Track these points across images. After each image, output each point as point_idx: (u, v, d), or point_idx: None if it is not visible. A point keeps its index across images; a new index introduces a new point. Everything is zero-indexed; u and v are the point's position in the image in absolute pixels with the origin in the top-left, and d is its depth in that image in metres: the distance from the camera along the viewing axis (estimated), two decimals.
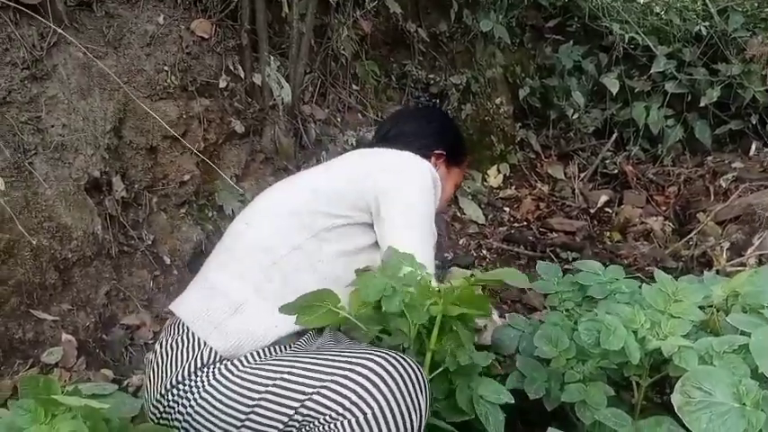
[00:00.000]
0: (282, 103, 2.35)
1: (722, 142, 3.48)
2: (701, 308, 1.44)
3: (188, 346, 1.28)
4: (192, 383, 1.23)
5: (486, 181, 3.49)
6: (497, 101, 3.62)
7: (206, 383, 1.22)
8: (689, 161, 3.46)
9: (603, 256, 2.82)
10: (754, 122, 3.31)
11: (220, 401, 1.20)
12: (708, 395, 0.96)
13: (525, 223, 3.13)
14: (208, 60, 2.26)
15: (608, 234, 3.06)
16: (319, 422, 1.12)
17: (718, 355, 1.22)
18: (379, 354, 1.15)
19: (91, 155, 1.92)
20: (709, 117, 3.44)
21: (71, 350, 1.80)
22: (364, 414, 1.09)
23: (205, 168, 2.26)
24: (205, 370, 1.23)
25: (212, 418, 1.20)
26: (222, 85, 2.28)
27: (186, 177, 2.19)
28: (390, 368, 1.12)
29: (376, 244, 1.44)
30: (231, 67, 2.32)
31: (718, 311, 1.50)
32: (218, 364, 1.23)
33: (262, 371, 1.21)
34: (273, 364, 1.21)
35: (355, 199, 1.42)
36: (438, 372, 1.29)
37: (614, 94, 3.55)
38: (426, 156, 1.64)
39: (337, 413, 1.10)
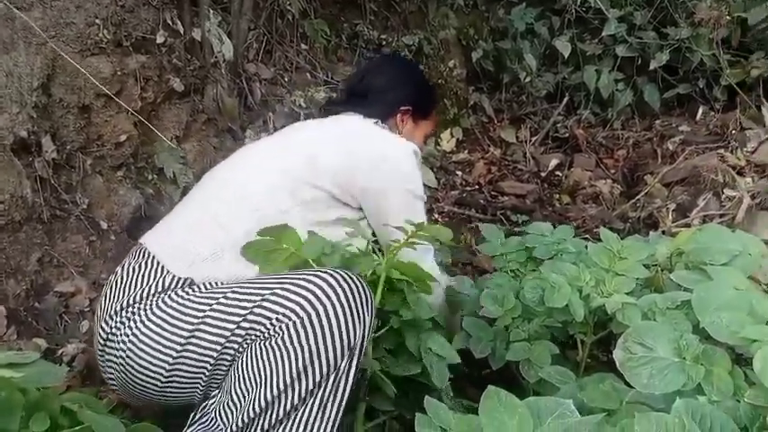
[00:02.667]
0: (224, 61, 2.25)
1: (670, 106, 3.52)
2: (645, 266, 1.45)
3: (150, 270, 1.27)
4: (143, 304, 1.22)
5: (439, 145, 3.45)
6: (450, 63, 3.57)
7: (155, 305, 1.21)
8: (638, 125, 3.49)
9: (553, 218, 2.83)
10: (701, 86, 3.35)
11: (166, 321, 1.19)
12: (649, 350, 0.96)
13: (477, 187, 3.11)
14: (143, 14, 2.13)
15: (557, 197, 3.07)
16: (263, 329, 1.12)
17: (660, 311, 1.23)
18: (327, 269, 1.17)
19: (16, 113, 1.79)
20: (658, 81, 3.47)
21: (0, 319, 1.70)
22: (308, 315, 1.10)
23: (143, 129, 2.15)
24: (162, 295, 1.22)
25: (156, 338, 1.19)
26: (160, 40, 2.16)
27: (122, 138, 2.08)
28: (333, 280, 1.13)
29: (341, 219, 1.44)
30: (169, 22, 2.19)
31: (662, 270, 1.51)
32: (176, 290, 1.23)
33: (209, 293, 1.21)
34: (221, 287, 1.22)
35: (345, 182, 1.43)
36: (386, 329, 1.27)
37: (566, 57, 3.54)
38: (392, 113, 1.73)
39: (283, 315, 1.11)
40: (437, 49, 3.52)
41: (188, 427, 1.16)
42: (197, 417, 1.18)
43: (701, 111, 3.38)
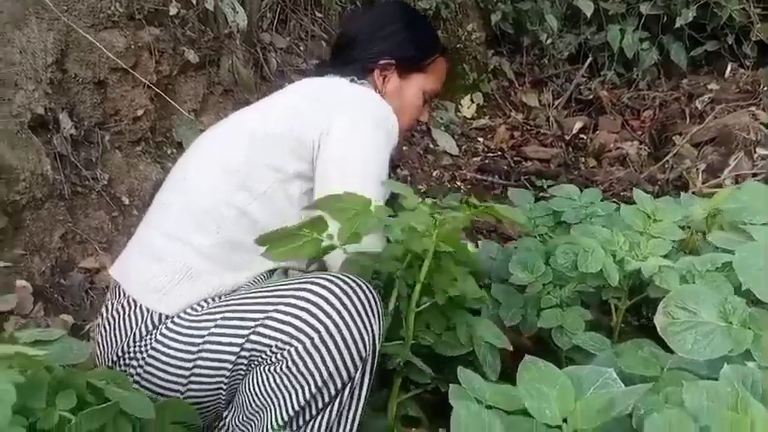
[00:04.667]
0: (238, 31, 2.20)
1: (698, 64, 3.41)
2: (680, 228, 1.40)
3: (134, 311, 1.17)
4: (139, 348, 1.14)
5: (459, 111, 3.39)
6: (469, 27, 3.48)
7: (151, 345, 1.13)
8: (664, 84, 3.39)
9: (579, 182, 2.77)
10: (729, 43, 3.23)
11: (167, 356, 1.11)
12: (692, 315, 0.91)
13: (499, 153, 3.06)
14: None
15: (583, 160, 3.01)
16: (266, 355, 1.05)
17: (700, 274, 1.18)
18: (323, 276, 1.07)
19: (32, 90, 1.77)
20: (684, 39, 3.35)
21: (26, 296, 1.71)
22: (311, 339, 1.02)
23: (160, 103, 2.12)
24: (154, 332, 1.14)
25: (160, 378, 1.12)
26: (173, 12, 2.12)
27: (140, 113, 2.06)
28: (336, 288, 1.04)
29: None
30: None
31: (697, 231, 1.45)
32: (165, 323, 1.14)
33: (203, 316, 1.12)
34: (215, 307, 1.13)
35: (297, 146, 1.23)
36: (429, 307, 1.23)
37: (588, 17, 3.43)
38: (370, 69, 1.44)
39: (283, 342, 1.03)
40: (455, 12, 3.43)
41: None
42: (218, 428, 1.15)
43: (729, 68, 3.27)
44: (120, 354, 1.16)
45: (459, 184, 2.76)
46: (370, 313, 1.06)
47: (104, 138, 1.99)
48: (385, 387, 1.18)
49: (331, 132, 1.22)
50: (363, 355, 1.05)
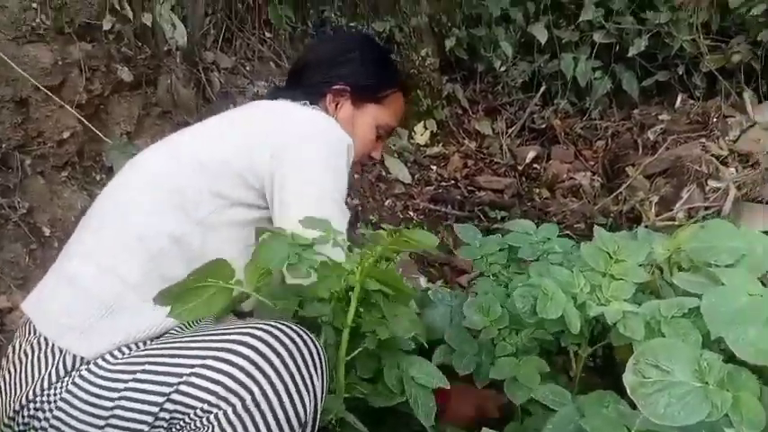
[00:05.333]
0: (177, 48, 2.07)
1: (649, 94, 3.43)
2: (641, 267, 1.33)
3: (44, 351, 1.02)
4: (47, 397, 0.98)
5: (412, 138, 3.31)
6: (423, 52, 3.42)
7: (60, 395, 0.97)
8: (616, 114, 3.39)
9: (532, 213, 2.72)
10: (680, 73, 3.26)
11: (78, 410, 0.96)
12: (665, 374, 0.82)
13: (453, 182, 2.98)
14: None
15: (536, 191, 2.96)
16: (189, 419, 0.91)
17: (665, 320, 1.10)
18: (260, 325, 0.95)
19: None
20: (636, 68, 3.38)
21: None
22: (242, 401, 0.89)
23: (90, 124, 1.96)
24: (66, 379, 0.98)
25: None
26: (106, 26, 1.97)
27: (66, 135, 1.89)
28: (273, 341, 0.92)
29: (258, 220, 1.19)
30: (117, 6, 2.00)
31: (660, 271, 1.38)
32: (80, 370, 0.99)
33: (122, 366, 0.98)
34: (138, 356, 0.98)
35: (247, 174, 1.14)
36: (361, 350, 1.11)
37: (542, 44, 3.42)
38: (323, 94, 1.38)
39: (210, 404, 0.90)
40: (409, 37, 3.38)
41: None
42: None
43: (680, 99, 3.30)
44: (24, 402, 0.99)
45: (411, 213, 2.66)
46: (312, 370, 0.94)
47: (25, 162, 1.82)
48: None
49: (284, 161, 1.14)
50: (303, 420, 0.92)
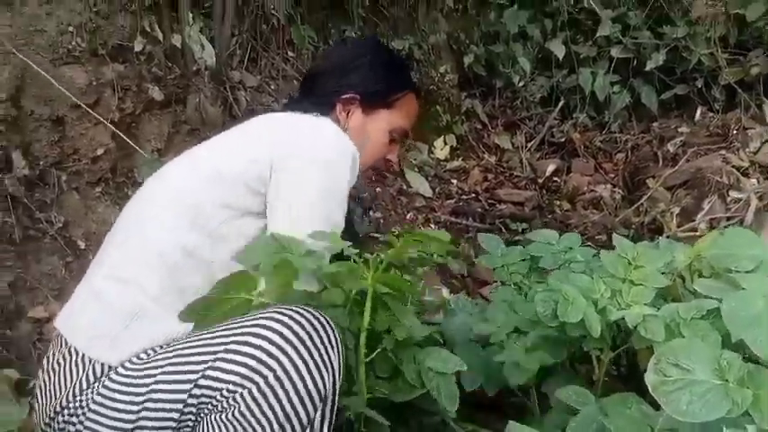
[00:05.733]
0: (206, 68, 2.14)
1: (668, 107, 3.43)
2: (662, 274, 1.35)
3: (75, 361, 1.08)
4: (80, 402, 1.04)
5: (432, 153, 3.35)
6: (442, 69, 3.48)
7: (92, 398, 1.04)
8: (635, 127, 3.40)
9: (553, 225, 2.73)
10: (699, 86, 3.27)
11: (110, 409, 1.02)
12: (686, 372, 0.85)
13: (473, 195, 3.01)
14: (120, 20, 2.02)
15: (557, 203, 2.98)
16: (216, 401, 0.96)
17: (685, 322, 1.12)
18: (277, 310, 0.99)
19: None
20: (654, 82, 3.39)
21: None
22: (265, 378, 0.94)
23: (122, 142, 2.03)
24: (95, 385, 1.05)
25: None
26: (138, 48, 2.05)
27: (100, 152, 1.97)
28: (291, 322, 0.97)
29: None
30: (147, 29, 2.08)
31: (681, 278, 1.40)
32: (108, 374, 1.05)
33: (149, 364, 1.04)
34: (161, 354, 1.04)
35: (253, 183, 1.18)
36: (378, 352, 1.15)
37: (560, 59, 3.45)
38: (333, 104, 1.41)
39: (235, 384, 0.95)
40: (428, 54, 3.43)
41: None
42: None
43: (699, 112, 3.30)
44: (59, 409, 1.06)
45: (432, 226, 2.70)
46: (329, 348, 0.99)
47: (61, 178, 1.89)
48: None
49: (282, 171, 1.18)
50: (323, 394, 0.97)
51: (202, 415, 0.98)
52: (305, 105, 1.39)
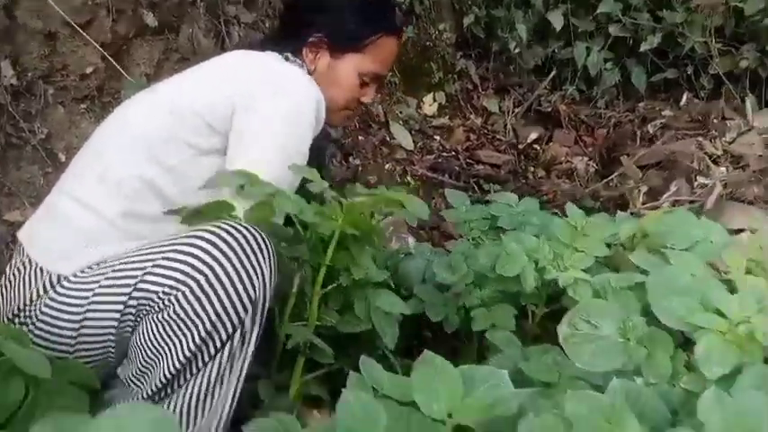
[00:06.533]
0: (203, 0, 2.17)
1: (656, 89, 3.49)
2: (608, 245, 1.44)
3: (30, 272, 1.17)
4: (31, 310, 1.14)
5: (420, 108, 3.40)
6: (441, 26, 3.50)
7: (41, 307, 1.13)
8: (621, 105, 3.46)
9: (525, 189, 2.82)
10: (688, 73, 3.32)
11: (58, 312, 1.11)
12: (594, 328, 0.95)
13: (454, 153, 3.08)
14: None
15: (533, 170, 3.06)
16: (153, 302, 1.05)
17: (613, 290, 1.21)
18: (215, 224, 1.07)
19: None
20: (646, 63, 3.43)
21: None
22: (197, 282, 1.02)
23: (112, 63, 2.06)
24: (49, 293, 1.14)
25: (50, 334, 1.12)
26: None
27: (89, 70, 2.00)
28: (224, 234, 1.05)
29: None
30: None
31: (624, 249, 1.50)
32: (61, 283, 1.14)
33: (95, 273, 1.12)
34: (107, 264, 1.13)
35: (215, 122, 1.22)
36: (334, 287, 1.24)
37: (557, 31, 3.47)
38: (302, 45, 1.40)
39: (170, 287, 1.03)
40: (428, 10, 3.44)
41: (106, 391, 1.15)
42: (114, 381, 1.15)
43: (685, 97, 3.36)
44: (14, 313, 1.15)
45: (409, 179, 2.77)
46: (260, 257, 1.06)
47: (48, 91, 1.93)
48: (288, 368, 1.18)
49: (244, 113, 1.21)
50: (253, 297, 1.05)
51: (141, 316, 1.07)
52: (279, 44, 1.42)
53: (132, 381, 1.11)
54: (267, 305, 1.08)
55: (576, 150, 3.17)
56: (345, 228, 1.18)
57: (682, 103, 3.37)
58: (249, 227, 1.07)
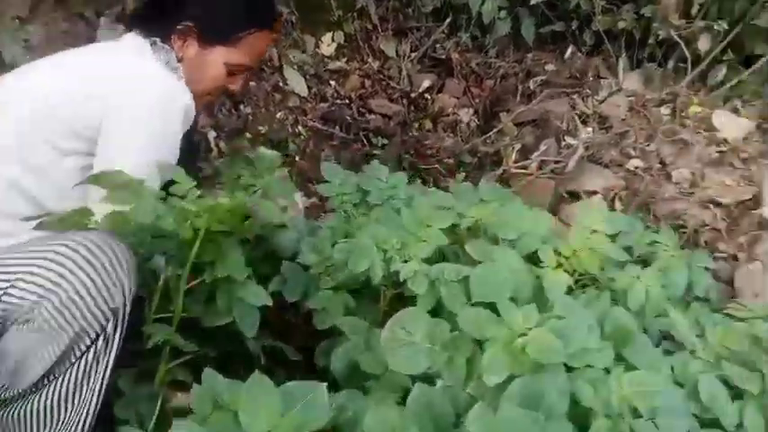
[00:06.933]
0: None
1: (544, 41, 3.63)
2: (454, 226, 1.62)
3: None
4: None
5: (318, 48, 3.41)
6: None
7: None
8: (512, 55, 3.60)
9: (410, 144, 2.97)
10: (574, 28, 3.48)
11: None
12: (408, 335, 1.13)
13: (347, 101, 3.15)
14: None
15: (420, 122, 3.19)
16: (21, 310, 1.12)
17: (445, 282, 1.40)
18: (74, 235, 1.15)
19: None
20: (537, 15, 3.55)
21: None
22: (60, 296, 1.11)
23: None
24: None
25: None
26: None
27: None
28: (83, 246, 1.13)
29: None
30: None
31: (470, 231, 1.69)
32: None
33: None
34: None
35: (78, 125, 1.28)
36: (200, 281, 1.35)
37: None
38: (171, 32, 1.43)
39: (38, 297, 1.11)
40: None
41: None
42: None
43: (569, 51, 3.54)
44: None
45: (300, 129, 2.84)
46: (119, 270, 1.15)
47: None
48: (157, 355, 1.31)
49: (114, 113, 1.28)
50: (113, 307, 1.15)
51: (7, 324, 1.14)
52: (148, 26, 1.44)
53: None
54: (128, 310, 1.19)
55: (464, 102, 3.31)
56: (211, 226, 1.28)
57: (566, 56, 3.55)
58: (107, 236, 1.16)
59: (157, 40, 1.43)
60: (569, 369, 1.12)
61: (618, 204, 2.54)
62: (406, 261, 1.46)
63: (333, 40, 3.46)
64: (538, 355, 1.03)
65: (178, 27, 1.44)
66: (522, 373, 1.03)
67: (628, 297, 1.46)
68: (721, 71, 2.92)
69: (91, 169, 1.30)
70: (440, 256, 1.56)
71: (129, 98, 1.29)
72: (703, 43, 2.86)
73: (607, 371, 1.17)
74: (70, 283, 1.11)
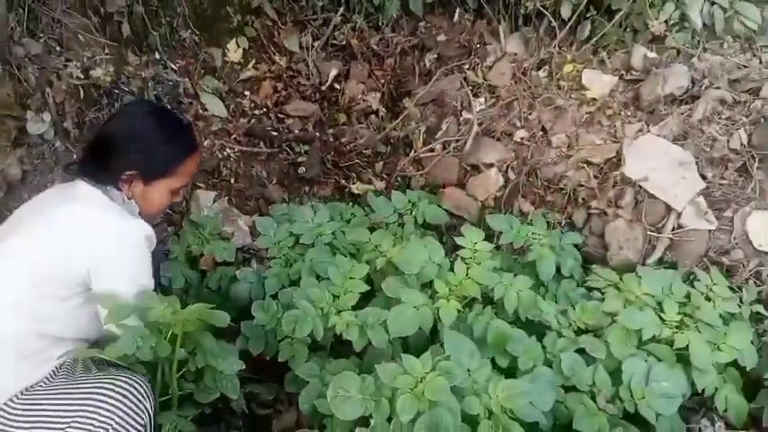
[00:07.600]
0: None
1: (433, 6, 3.87)
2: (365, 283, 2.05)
3: None
4: None
5: (226, 56, 3.62)
6: None
7: None
8: (406, 27, 3.84)
9: (329, 145, 3.32)
10: None
11: None
12: (346, 392, 1.59)
13: (265, 110, 3.43)
14: None
15: (336, 117, 3.51)
16: None
17: (370, 326, 1.86)
18: (110, 379, 1.58)
19: None
20: None
21: None
22: (110, 426, 1.54)
23: None
24: None
25: None
26: None
27: None
28: (118, 388, 1.57)
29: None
30: None
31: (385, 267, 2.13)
32: None
33: (17, 415, 1.57)
34: (26, 408, 1.58)
35: (77, 287, 1.66)
36: (186, 369, 1.78)
37: None
38: (119, 179, 1.75)
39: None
40: None
41: None
42: None
43: (457, 13, 3.81)
44: None
45: (228, 152, 3.15)
46: (144, 400, 1.61)
47: None
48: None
49: (101, 270, 1.67)
50: (144, 424, 1.61)
51: None
52: (96, 176, 1.77)
53: None
54: (154, 423, 1.64)
55: (371, 85, 3.60)
56: (185, 324, 1.70)
57: (455, 19, 3.83)
58: (134, 377, 1.61)
59: (110, 187, 1.78)
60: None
61: (511, 174, 2.99)
62: (339, 312, 1.91)
63: (238, 46, 3.67)
64: (433, 396, 1.51)
65: (124, 175, 1.78)
66: (425, 410, 1.52)
67: (504, 304, 1.95)
68: (587, 27, 3.29)
69: (85, 305, 1.70)
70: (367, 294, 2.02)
71: (114, 248, 1.68)
72: (566, 11, 3.20)
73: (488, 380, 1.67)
74: (113, 416, 1.55)
